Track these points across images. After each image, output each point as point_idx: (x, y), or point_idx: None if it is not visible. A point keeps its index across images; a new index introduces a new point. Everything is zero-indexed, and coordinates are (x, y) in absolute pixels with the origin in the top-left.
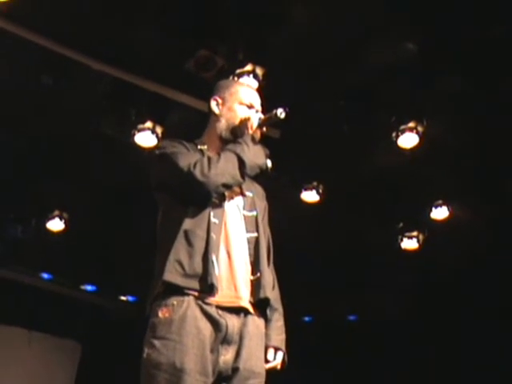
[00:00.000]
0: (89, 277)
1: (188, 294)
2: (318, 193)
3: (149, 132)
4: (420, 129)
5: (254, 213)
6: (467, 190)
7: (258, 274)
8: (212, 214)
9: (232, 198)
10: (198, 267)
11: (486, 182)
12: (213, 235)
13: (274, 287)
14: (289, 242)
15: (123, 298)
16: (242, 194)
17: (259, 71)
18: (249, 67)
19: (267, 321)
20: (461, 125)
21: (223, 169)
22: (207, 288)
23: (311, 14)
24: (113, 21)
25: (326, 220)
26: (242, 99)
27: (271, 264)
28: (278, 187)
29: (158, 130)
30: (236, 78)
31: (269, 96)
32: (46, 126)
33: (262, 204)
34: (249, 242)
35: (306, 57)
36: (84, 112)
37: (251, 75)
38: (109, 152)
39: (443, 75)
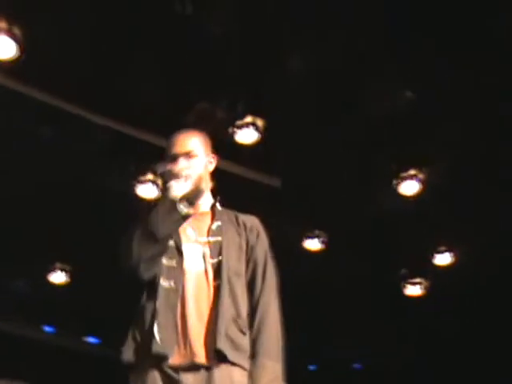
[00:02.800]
0: (92, 329)
1: (144, 365)
2: (320, 241)
3: (150, 184)
4: (421, 176)
5: (219, 238)
6: (470, 235)
7: (215, 323)
8: (162, 277)
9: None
10: (145, 338)
11: (488, 227)
12: (159, 301)
13: (250, 329)
14: (291, 291)
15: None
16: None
17: (259, 122)
18: (249, 119)
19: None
20: (462, 171)
21: (134, 246)
22: (154, 357)
23: (309, 64)
24: (113, 74)
25: (329, 268)
26: (167, 154)
27: (264, 290)
28: (279, 236)
29: (160, 181)
30: (236, 130)
31: (269, 146)
32: (47, 179)
33: (232, 229)
34: (213, 269)
35: (306, 106)
36: (85, 164)
37: (251, 126)
38: (111, 204)
39: (442, 122)
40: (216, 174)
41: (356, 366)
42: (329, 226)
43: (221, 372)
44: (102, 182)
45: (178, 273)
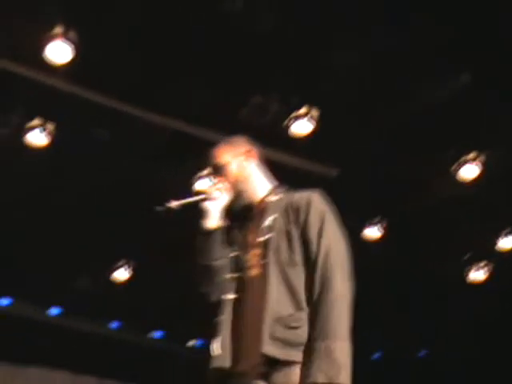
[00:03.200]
0: (156, 324)
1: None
2: (380, 229)
3: (207, 179)
4: (480, 159)
5: (269, 235)
6: None
7: (262, 326)
8: (227, 290)
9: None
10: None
11: None
12: (224, 315)
13: (293, 322)
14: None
15: (191, 343)
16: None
17: (314, 113)
18: (303, 110)
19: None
20: None
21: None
22: (215, 371)
23: (362, 52)
24: (165, 73)
25: (390, 255)
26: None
27: (320, 264)
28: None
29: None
30: (291, 122)
31: (325, 137)
32: (106, 178)
33: (282, 220)
34: (264, 269)
35: (361, 95)
36: (141, 163)
37: (306, 118)
38: (168, 201)
39: (501, 105)
40: (272, 167)
41: (420, 354)
42: (388, 213)
43: (278, 374)
44: (159, 181)
45: (240, 282)
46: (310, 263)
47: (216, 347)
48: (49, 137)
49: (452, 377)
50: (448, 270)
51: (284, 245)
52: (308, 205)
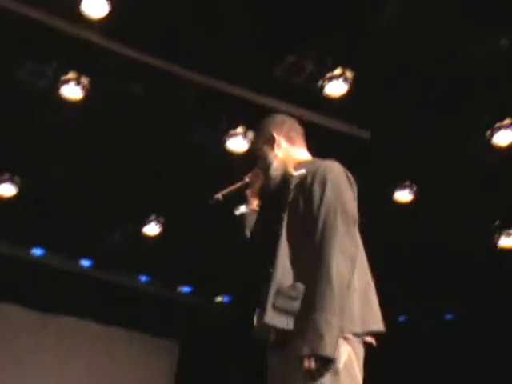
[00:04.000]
0: (185, 278)
1: None
2: (411, 192)
3: (241, 138)
4: None
5: (288, 212)
6: None
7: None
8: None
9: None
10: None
11: None
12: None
13: (289, 291)
14: (381, 243)
15: (219, 298)
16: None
17: (349, 75)
18: (338, 71)
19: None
20: None
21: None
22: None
23: (400, 14)
24: (201, 29)
25: (420, 219)
26: None
27: (318, 236)
28: (369, 187)
29: (250, 134)
30: (326, 82)
31: (359, 99)
32: (140, 134)
33: (300, 195)
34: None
35: (396, 57)
36: (175, 120)
37: (341, 79)
38: (201, 157)
39: None
40: (305, 128)
41: (447, 316)
42: (420, 177)
43: (289, 344)
44: (193, 137)
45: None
46: (311, 235)
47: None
48: (83, 91)
49: (476, 341)
50: (479, 236)
51: (296, 217)
52: (314, 174)
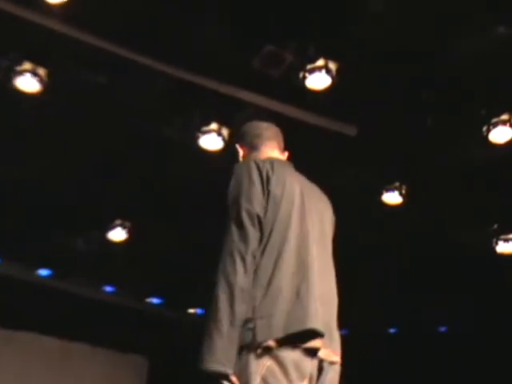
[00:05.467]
0: (155, 289)
1: None
2: (400, 194)
3: (214, 135)
4: None
5: None
6: None
7: None
8: None
9: None
10: None
11: None
12: None
13: None
14: (368, 247)
15: (192, 310)
16: None
17: (332, 66)
18: (321, 62)
19: None
20: None
21: None
22: None
23: (389, 3)
24: (172, 16)
25: (411, 223)
26: None
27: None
28: (356, 189)
29: (225, 132)
30: (307, 75)
31: (344, 92)
32: (103, 130)
33: None
34: None
35: (384, 47)
36: (145, 115)
37: (323, 71)
38: (172, 156)
39: None
40: (286, 123)
41: (441, 329)
42: (410, 177)
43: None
44: (164, 133)
45: None
46: None
47: None
48: (41, 83)
49: (473, 351)
50: (474, 240)
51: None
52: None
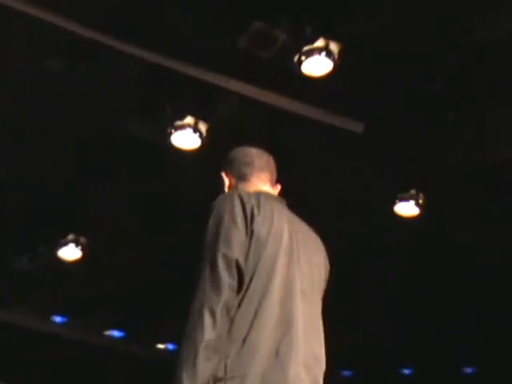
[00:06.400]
0: (116, 319)
1: None
2: (417, 204)
3: (190, 130)
4: None
5: None
6: None
7: None
8: None
9: None
10: None
11: None
12: None
13: None
14: (380, 264)
15: (161, 346)
16: None
17: (334, 48)
18: (320, 43)
19: None
20: None
21: None
22: None
23: None
24: None
25: (428, 237)
26: None
27: None
28: (364, 198)
29: (202, 127)
30: (303, 58)
31: (346, 81)
32: (60, 124)
33: None
34: None
35: (395, 28)
36: (107, 107)
37: (323, 54)
38: (139, 156)
39: None
40: (277, 117)
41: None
42: (428, 183)
43: None
44: (129, 129)
45: None
46: None
47: None
48: None
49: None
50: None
51: None
52: None
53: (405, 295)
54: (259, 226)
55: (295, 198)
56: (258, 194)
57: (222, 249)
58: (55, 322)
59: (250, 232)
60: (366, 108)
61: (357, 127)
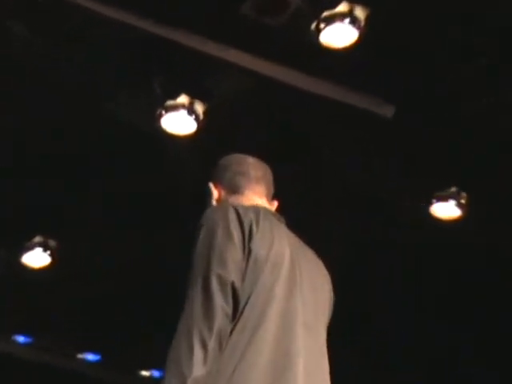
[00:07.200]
0: (89, 340)
1: None
2: (458, 204)
3: (184, 112)
4: None
5: None
6: None
7: None
8: None
9: None
10: None
11: None
12: None
13: None
14: (414, 272)
15: (145, 373)
16: None
17: (360, 13)
18: (343, 7)
19: None
20: None
21: None
22: None
23: None
24: None
25: (470, 243)
26: None
27: None
28: (395, 197)
29: (199, 108)
30: (322, 25)
31: (375, 54)
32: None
33: None
34: None
35: None
36: (85, 83)
37: (347, 20)
38: (123, 143)
39: None
40: (293, 96)
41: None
42: (470, 181)
43: None
44: (111, 110)
45: None
46: None
47: None
48: None
49: None
50: None
51: None
52: None
53: (443, 311)
54: (258, 246)
55: (312, 197)
56: (257, 209)
57: (215, 269)
58: (17, 342)
59: (247, 251)
60: (397, 88)
61: (386, 110)
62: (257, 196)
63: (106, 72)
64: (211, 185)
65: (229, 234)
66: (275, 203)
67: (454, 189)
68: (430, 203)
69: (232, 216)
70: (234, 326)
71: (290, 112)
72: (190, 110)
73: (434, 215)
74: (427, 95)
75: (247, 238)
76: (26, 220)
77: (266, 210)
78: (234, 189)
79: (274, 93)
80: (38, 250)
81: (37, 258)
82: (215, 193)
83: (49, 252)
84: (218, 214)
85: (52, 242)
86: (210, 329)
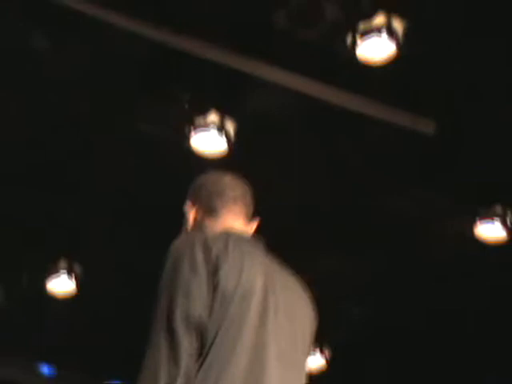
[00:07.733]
0: (114, 366)
1: None
2: (504, 225)
3: (214, 132)
4: None
5: None
6: None
7: None
8: None
9: None
10: None
11: None
12: None
13: None
14: (459, 297)
15: None
16: None
17: (397, 25)
18: (380, 20)
19: None
20: None
21: None
22: None
23: None
24: None
25: None
26: None
27: None
28: (436, 216)
29: (230, 127)
30: (359, 39)
31: (413, 66)
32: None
33: None
34: None
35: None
36: (106, 99)
37: (384, 32)
38: (147, 162)
39: None
40: (328, 113)
41: None
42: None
43: None
44: (137, 128)
45: None
46: None
47: None
48: None
49: None
50: None
51: None
52: None
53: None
54: (225, 278)
55: (349, 221)
56: (227, 236)
57: (180, 305)
58: (42, 374)
59: (214, 285)
60: (437, 103)
61: (426, 127)
62: (233, 216)
63: (134, 90)
64: (188, 206)
65: (194, 267)
66: (254, 224)
67: (498, 209)
68: (474, 224)
69: (198, 247)
70: (201, 363)
71: (325, 130)
72: (220, 129)
73: (479, 236)
74: (469, 110)
75: (214, 271)
76: (54, 241)
77: (238, 236)
78: (210, 210)
79: (306, 109)
80: (63, 277)
81: (60, 284)
82: (191, 215)
83: (74, 276)
84: (185, 245)
85: (78, 267)
86: (177, 375)
